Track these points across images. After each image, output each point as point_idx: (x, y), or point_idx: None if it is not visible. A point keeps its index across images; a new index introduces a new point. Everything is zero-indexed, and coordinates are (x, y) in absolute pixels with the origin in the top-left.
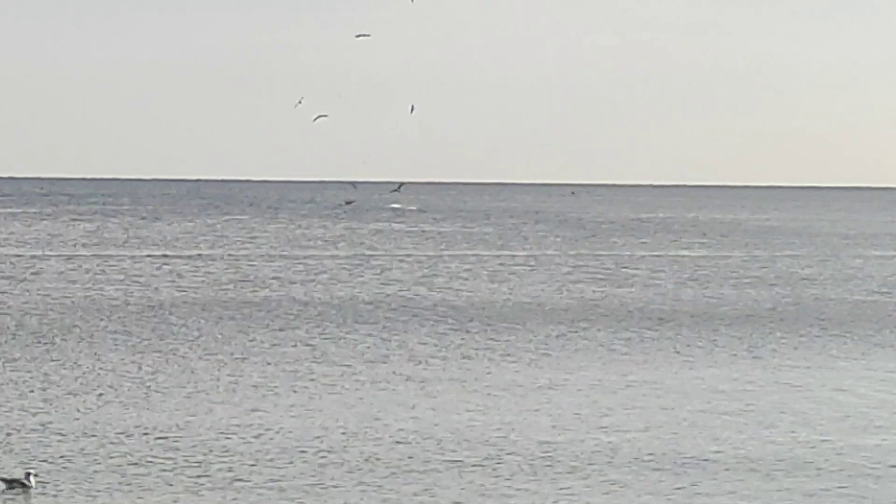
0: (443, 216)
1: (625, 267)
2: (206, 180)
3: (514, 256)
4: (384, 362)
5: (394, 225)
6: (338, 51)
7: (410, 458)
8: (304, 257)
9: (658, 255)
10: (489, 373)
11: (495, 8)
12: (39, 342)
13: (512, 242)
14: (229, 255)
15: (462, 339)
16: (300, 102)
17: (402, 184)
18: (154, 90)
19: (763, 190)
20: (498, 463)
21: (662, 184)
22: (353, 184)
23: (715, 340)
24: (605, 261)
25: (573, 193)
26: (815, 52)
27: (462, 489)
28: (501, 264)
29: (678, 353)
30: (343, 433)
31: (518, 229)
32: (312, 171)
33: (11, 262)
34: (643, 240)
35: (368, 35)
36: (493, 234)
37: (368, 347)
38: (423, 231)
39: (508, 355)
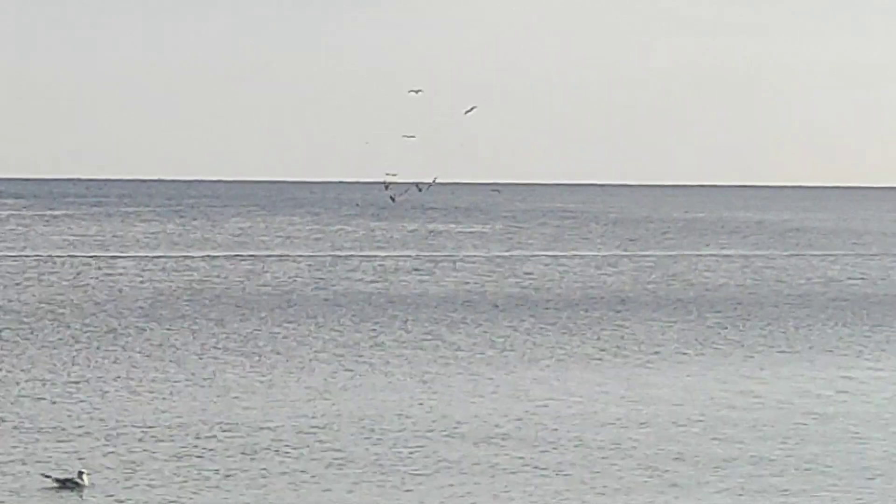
0: (489, 216)
1: (705, 267)
2: (234, 181)
3: (585, 256)
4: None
5: (454, 227)
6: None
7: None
8: (380, 257)
9: (727, 255)
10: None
11: (524, 9)
12: (100, 342)
13: (578, 242)
14: (300, 255)
15: (581, 338)
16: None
17: (499, 188)
18: (182, 92)
19: (792, 189)
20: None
21: (686, 184)
22: (386, 184)
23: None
24: (677, 260)
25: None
26: (844, 51)
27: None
28: (580, 264)
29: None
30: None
31: (576, 230)
32: (341, 171)
33: (85, 264)
34: (702, 238)
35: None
36: (554, 234)
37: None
38: (488, 231)
39: (610, 350)
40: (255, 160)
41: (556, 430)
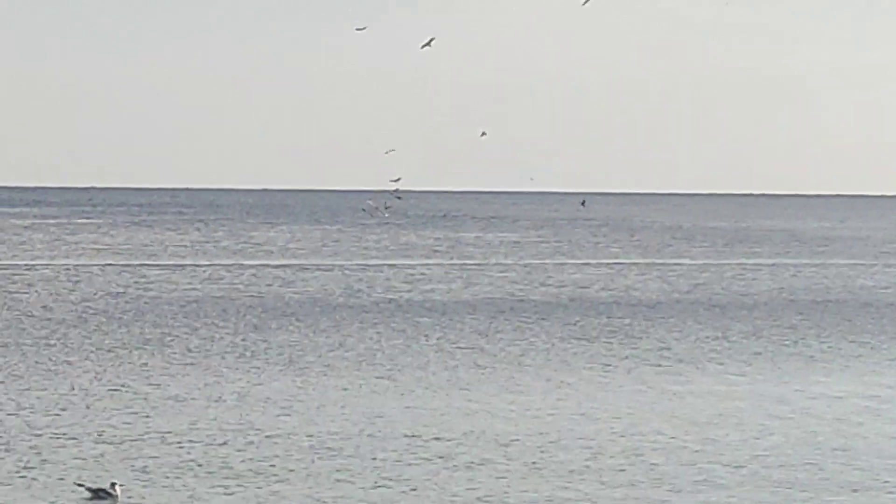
0: (532, 224)
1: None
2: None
3: (620, 264)
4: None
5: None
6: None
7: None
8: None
9: (789, 263)
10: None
11: (550, 14)
12: (136, 350)
13: (638, 251)
14: (340, 265)
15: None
16: (483, 134)
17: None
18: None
19: (826, 199)
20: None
21: (719, 192)
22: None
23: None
24: (711, 269)
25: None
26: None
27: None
28: (615, 272)
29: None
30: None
31: (608, 237)
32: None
33: (117, 272)
34: (756, 248)
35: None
36: (585, 241)
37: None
38: (521, 240)
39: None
40: (269, 169)
41: (598, 436)
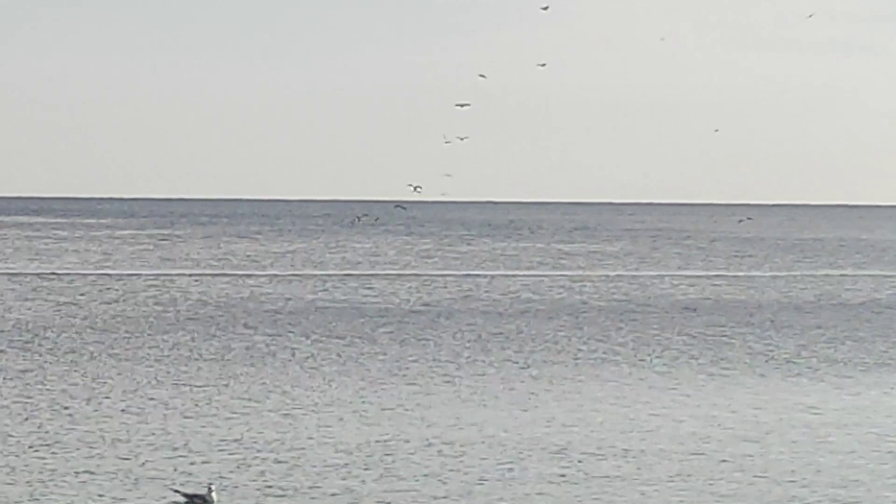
0: (613, 235)
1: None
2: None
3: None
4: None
5: (588, 246)
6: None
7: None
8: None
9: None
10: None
11: (627, 28)
12: (230, 355)
13: (720, 262)
14: (414, 274)
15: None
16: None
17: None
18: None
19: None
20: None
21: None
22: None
23: None
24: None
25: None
26: None
27: None
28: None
29: None
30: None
31: (707, 249)
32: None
33: (202, 282)
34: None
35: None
36: (694, 254)
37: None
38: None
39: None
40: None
41: (674, 442)
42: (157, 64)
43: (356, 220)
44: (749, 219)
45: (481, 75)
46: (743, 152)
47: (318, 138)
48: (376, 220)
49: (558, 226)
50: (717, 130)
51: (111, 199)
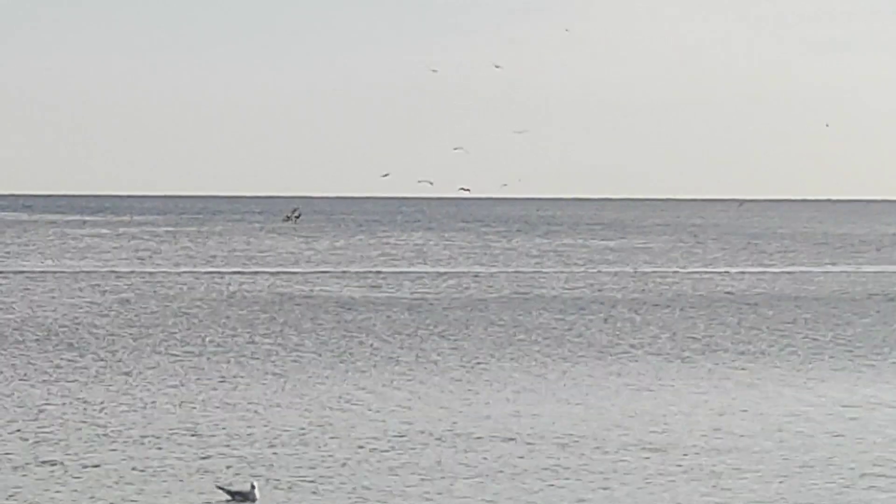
0: (652, 230)
1: None
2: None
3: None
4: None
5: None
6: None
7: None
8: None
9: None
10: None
11: (637, 27)
12: (275, 350)
13: (752, 258)
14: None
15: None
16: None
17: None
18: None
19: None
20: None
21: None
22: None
23: None
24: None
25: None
26: None
27: None
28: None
29: None
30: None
31: (738, 245)
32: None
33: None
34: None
35: None
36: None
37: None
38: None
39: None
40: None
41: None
42: (156, 63)
43: (290, 217)
44: (745, 202)
45: (497, 66)
46: (756, 150)
47: (318, 138)
48: (298, 216)
49: (593, 222)
50: (827, 125)
51: (117, 196)
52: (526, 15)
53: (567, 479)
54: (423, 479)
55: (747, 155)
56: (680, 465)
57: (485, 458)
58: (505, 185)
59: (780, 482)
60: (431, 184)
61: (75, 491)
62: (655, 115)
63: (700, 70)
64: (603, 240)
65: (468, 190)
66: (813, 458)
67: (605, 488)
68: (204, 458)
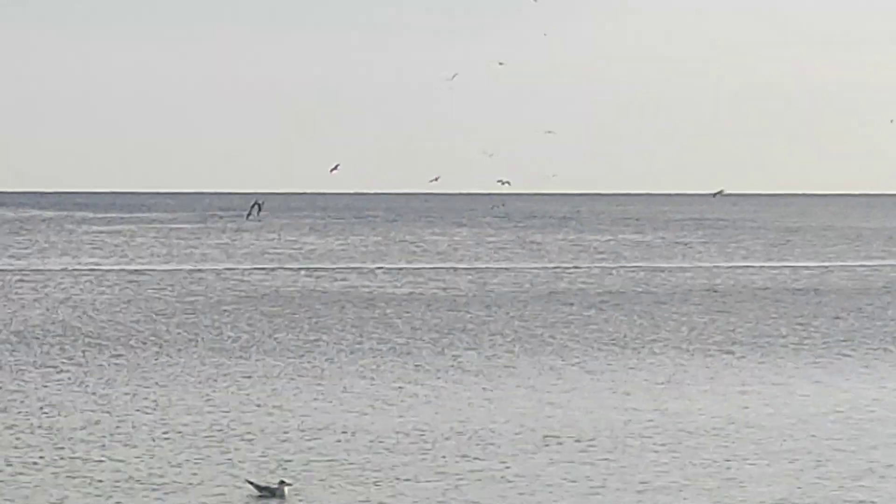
0: (680, 225)
1: None
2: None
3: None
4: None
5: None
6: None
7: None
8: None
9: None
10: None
11: (668, 24)
12: (308, 346)
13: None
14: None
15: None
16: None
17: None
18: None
19: None
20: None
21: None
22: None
23: None
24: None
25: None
26: None
27: None
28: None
29: None
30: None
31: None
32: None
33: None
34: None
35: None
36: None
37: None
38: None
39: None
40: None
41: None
42: (155, 64)
43: (253, 211)
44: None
45: (500, 62)
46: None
47: (319, 137)
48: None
49: (615, 217)
50: (892, 121)
51: (131, 193)
52: (527, 17)
53: (587, 475)
54: (442, 475)
55: (776, 150)
56: (693, 461)
57: (505, 455)
58: (555, 175)
59: (796, 477)
60: (437, 179)
61: (99, 488)
62: (640, 116)
63: (685, 74)
64: (635, 234)
65: (508, 183)
66: (835, 447)
67: (621, 483)
68: (225, 454)
